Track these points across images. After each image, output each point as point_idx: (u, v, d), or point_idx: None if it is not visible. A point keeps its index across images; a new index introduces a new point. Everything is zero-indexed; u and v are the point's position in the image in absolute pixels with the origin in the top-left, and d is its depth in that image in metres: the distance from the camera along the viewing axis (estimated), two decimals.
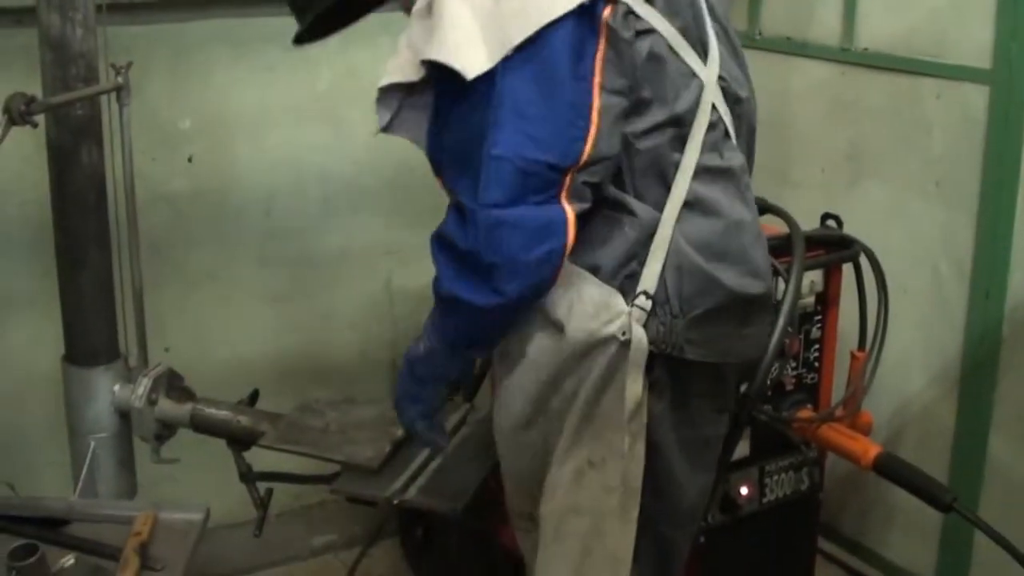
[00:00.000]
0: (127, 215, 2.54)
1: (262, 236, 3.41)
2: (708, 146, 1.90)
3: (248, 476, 2.51)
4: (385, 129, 1.92)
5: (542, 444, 1.99)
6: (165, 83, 3.14)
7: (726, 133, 1.98)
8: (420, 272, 3.43)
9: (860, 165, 3.22)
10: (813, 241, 2.69)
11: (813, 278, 2.78)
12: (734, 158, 1.97)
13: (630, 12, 1.81)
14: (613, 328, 1.83)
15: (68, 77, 2.34)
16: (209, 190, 3.29)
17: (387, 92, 1.88)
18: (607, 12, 1.78)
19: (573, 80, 1.75)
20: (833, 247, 2.79)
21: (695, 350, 1.88)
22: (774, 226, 2.67)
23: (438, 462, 2.33)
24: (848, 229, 2.84)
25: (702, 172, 1.89)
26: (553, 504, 1.99)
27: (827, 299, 2.85)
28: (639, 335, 1.84)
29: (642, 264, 1.85)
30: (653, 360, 1.87)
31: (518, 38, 1.72)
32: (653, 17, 1.85)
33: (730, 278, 1.90)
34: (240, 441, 2.48)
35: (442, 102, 1.84)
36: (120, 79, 2.42)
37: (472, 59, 1.72)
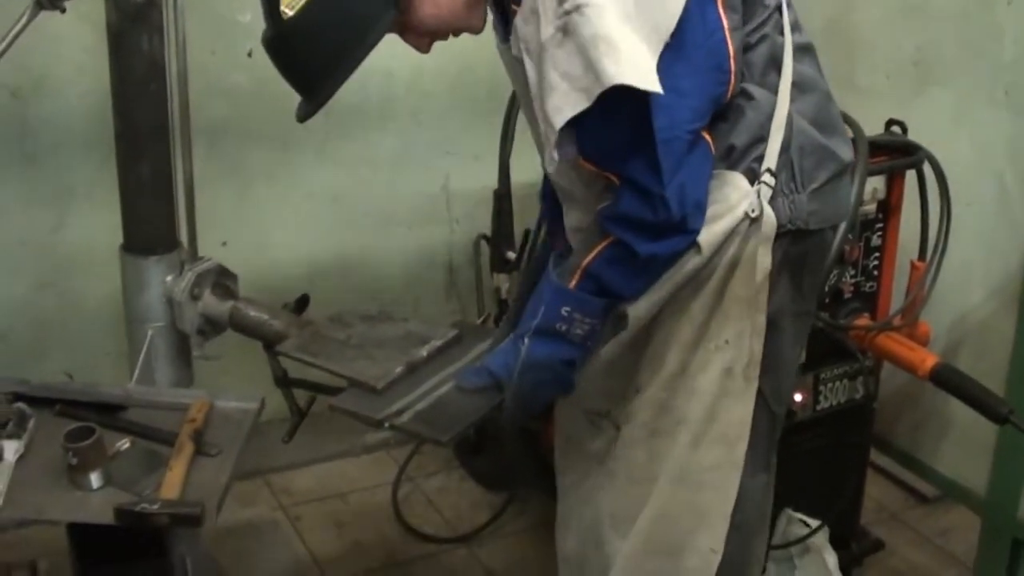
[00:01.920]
0: (179, 106, 2.54)
1: (322, 135, 3.40)
2: (793, 26, 1.99)
3: (283, 381, 2.53)
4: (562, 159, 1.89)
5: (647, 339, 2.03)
6: None
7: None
8: (477, 174, 3.47)
9: (927, 71, 3.14)
10: (876, 147, 2.66)
11: (876, 184, 2.75)
12: (806, 34, 2.05)
13: None
14: (744, 207, 1.89)
15: None
16: (268, 86, 3.26)
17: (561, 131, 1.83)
18: None
19: (708, 40, 1.83)
20: (897, 153, 2.74)
21: (815, 219, 1.98)
22: None
23: (445, 390, 2.23)
24: (912, 136, 2.78)
25: (797, 51, 1.98)
26: (656, 393, 2.03)
27: (889, 207, 2.81)
28: (768, 211, 1.91)
29: (766, 144, 1.92)
30: (778, 238, 1.93)
31: (670, 28, 1.75)
32: None
33: (837, 146, 2.00)
34: (269, 345, 2.50)
35: (602, 106, 1.78)
36: None
37: (652, 71, 1.73)
